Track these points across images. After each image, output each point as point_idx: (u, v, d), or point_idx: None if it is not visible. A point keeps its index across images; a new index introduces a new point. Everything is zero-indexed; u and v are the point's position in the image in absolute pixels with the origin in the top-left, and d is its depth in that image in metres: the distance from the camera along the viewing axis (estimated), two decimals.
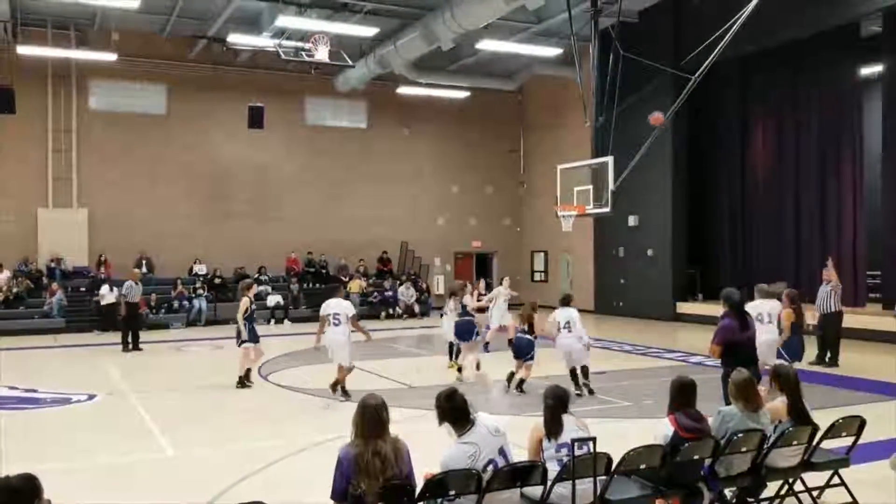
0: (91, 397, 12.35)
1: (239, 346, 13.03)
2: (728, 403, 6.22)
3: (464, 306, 13.93)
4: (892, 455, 5.94)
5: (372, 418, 4.66)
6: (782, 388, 6.23)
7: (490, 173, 31.22)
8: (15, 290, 22.70)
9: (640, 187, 22.26)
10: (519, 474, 5.00)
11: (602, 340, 19.43)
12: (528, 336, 12.34)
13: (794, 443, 6.01)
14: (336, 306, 11.85)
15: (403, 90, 27.40)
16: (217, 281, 25.32)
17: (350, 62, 21.69)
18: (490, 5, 18.43)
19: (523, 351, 12.32)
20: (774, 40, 20.26)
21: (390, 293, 26.83)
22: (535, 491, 5.11)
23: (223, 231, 26.41)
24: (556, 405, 5.44)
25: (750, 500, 6.09)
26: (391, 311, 26.37)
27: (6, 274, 23.09)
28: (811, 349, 13.88)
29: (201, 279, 25.10)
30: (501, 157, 31.46)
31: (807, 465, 6.19)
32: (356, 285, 26.01)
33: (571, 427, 5.38)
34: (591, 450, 5.10)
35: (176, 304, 24.05)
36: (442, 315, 15.36)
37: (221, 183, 26.55)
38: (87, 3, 19.96)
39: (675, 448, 5.49)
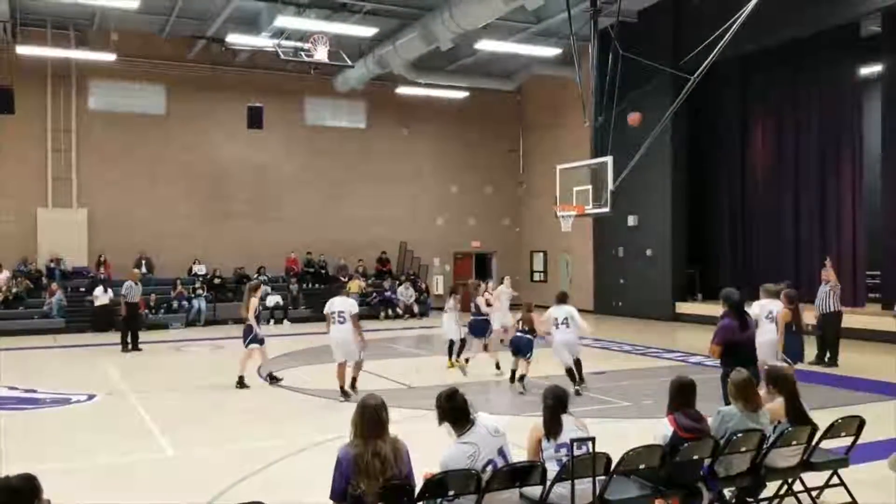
0: (91, 397, 12.35)
1: (246, 346, 13.06)
2: (727, 403, 6.22)
3: (477, 307, 14.27)
4: (891, 455, 5.94)
5: (371, 418, 4.66)
6: (779, 390, 6.24)
7: (489, 173, 31.21)
8: (14, 290, 22.69)
9: (640, 187, 22.27)
10: (518, 474, 5.00)
11: (601, 340, 19.43)
12: (528, 336, 12.56)
13: (794, 443, 6.02)
14: (340, 304, 11.99)
15: (402, 90, 27.39)
16: (216, 281, 25.32)
17: (349, 62, 21.68)
18: (489, 5, 18.42)
19: (523, 349, 12.55)
20: (774, 40, 20.27)
21: (390, 293, 26.84)
22: (535, 491, 5.11)
23: (223, 231, 26.41)
24: (555, 405, 5.44)
25: (749, 500, 6.10)
26: (390, 311, 26.39)
27: (6, 274, 23.07)
28: (810, 349, 13.90)
29: (201, 279, 25.10)
30: (501, 157, 31.45)
31: (806, 465, 6.19)
32: (355, 285, 25.73)
33: (571, 427, 5.38)
34: (591, 450, 5.10)
35: (175, 304, 24.05)
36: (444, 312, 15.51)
37: (221, 183, 26.55)
38: (87, 3, 19.96)
39: (674, 448, 5.50)
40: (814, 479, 6.29)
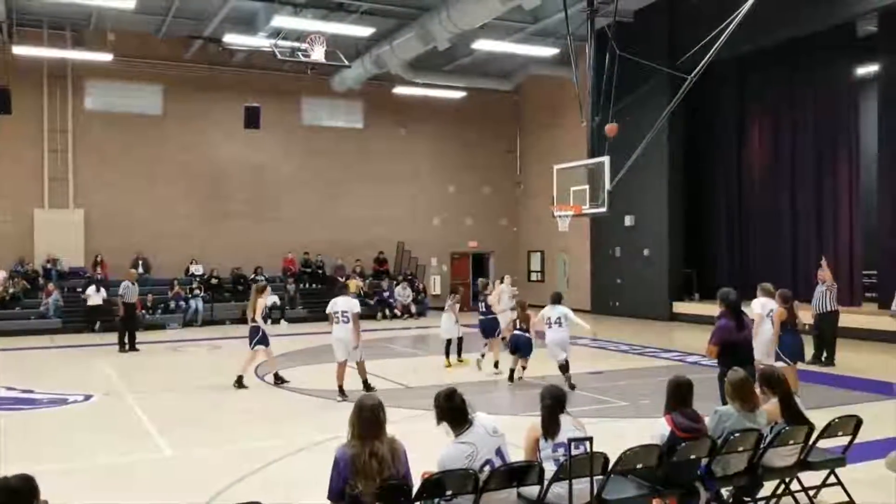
0: (88, 398, 12.34)
1: (253, 347, 13.10)
2: (725, 403, 6.23)
3: (487, 306, 14.68)
4: (888, 454, 5.96)
5: (369, 419, 4.66)
6: (773, 392, 6.24)
7: (487, 173, 31.21)
8: (11, 290, 22.66)
9: (637, 187, 22.29)
10: (516, 474, 5.00)
11: (598, 340, 19.45)
12: (526, 334, 12.95)
13: (791, 442, 6.02)
14: (343, 304, 12.08)
15: (400, 90, 27.38)
16: (214, 281, 25.30)
17: (346, 62, 21.65)
18: (486, 5, 18.43)
19: (523, 348, 12.99)
20: (770, 40, 20.30)
21: (387, 293, 26.85)
22: (532, 491, 5.11)
23: (220, 231, 26.38)
24: (553, 405, 5.45)
25: (746, 499, 6.10)
26: (387, 311, 26.39)
27: (2, 274, 23.03)
28: (807, 349, 13.91)
29: (198, 279, 25.08)
30: (498, 157, 31.46)
31: (803, 464, 6.19)
32: (353, 285, 25.70)
33: (568, 427, 5.39)
34: (588, 449, 5.11)
35: (172, 304, 24.04)
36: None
37: (218, 183, 26.52)
38: (83, 3, 19.94)
39: (671, 448, 5.50)
40: (811, 478, 6.29)
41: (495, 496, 4.88)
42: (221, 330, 23.00)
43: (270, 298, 24.38)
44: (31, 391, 12.94)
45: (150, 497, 7.40)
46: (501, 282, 17.68)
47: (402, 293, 27.07)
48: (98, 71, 24.47)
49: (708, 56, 14.31)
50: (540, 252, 30.74)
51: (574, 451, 5.08)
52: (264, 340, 13.17)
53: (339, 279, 26.54)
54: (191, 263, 25.66)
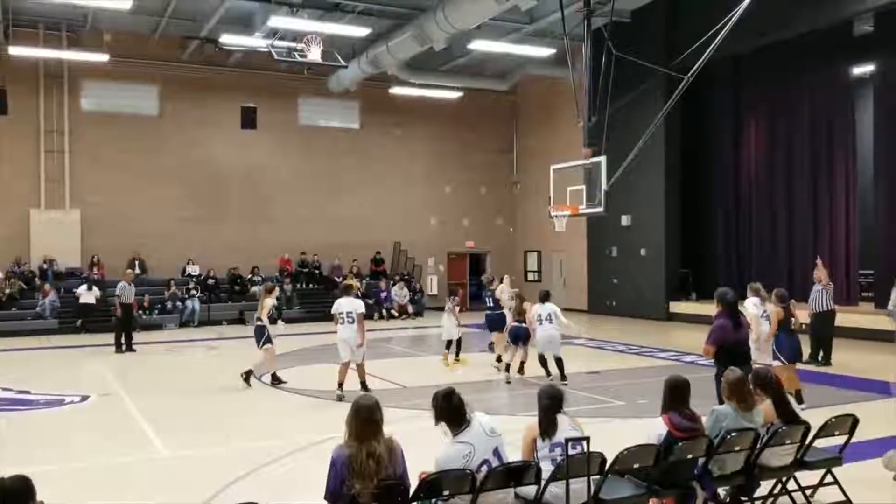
0: (84, 398, 12.33)
1: (260, 347, 13.14)
2: (722, 403, 6.23)
3: (495, 300, 14.90)
4: (884, 454, 5.97)
5: (366, 419, 4.66)
6: (766, 393, 6.25)
7: (483, 173, 31.21)
8: (7, 291, 22.62)
9: (634, 187, 22.31)
10: (513, 474, 5.01)
11: (595, 340, 19.49)
12: (524, 325, 13.50)
13: (787, 442, 6.03)
14: (348, 305, 12.12)
15: (396, 90, 27.37)
16: (210, 282, 25.27)
17: (342, 62, 21.67)
18: (482, 5, 18.41)
19: (523, 338, 13.50)
20: (767, 40, 20.34)
21: (385, 293, 26.84)
22: (529, 490, 5.12)
23: (216, 232, 26.35)
24: (550, 405, 5.45)
25: (743, 499, 6.11)
26: (384, 311, 26.37)
27: None
28: (804, 348, 13.92)
29: (194, 280, 25.05)
30: (494, 157, 31.47)
31: (800, 463, 6.20)
32: (342, 287, 25.91)
33: (566, 427, 5.40)
34: (585, 449, 5.12)
35: (169, 304, 24.01)
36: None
37: (214, 183, 26.48)
38: (80, 3, 19.90)
39: (668, 447, 5.51)
40: (808, 477, 6.30)
41: (492, 496, 4.88)
42: (218, 330, 22.99)
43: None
44: (28, 392, 12.91)
45: (146, 498, 7.39)
46: (501, 281, 17.76)
47: (399, 293, 27.07)
48: (94, 71, 24.44)
49: (704, 56, 14.33)
50: (537, 252, 30.75)
51: (571, 451, 5.08)
52: (270, 339, 13.21)
53: (336, 279, 26.59)
54: (187, 264, 25.62)
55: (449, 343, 15.53)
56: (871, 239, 20.83)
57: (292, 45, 20.48)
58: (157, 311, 23.77)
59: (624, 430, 8.65)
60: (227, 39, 22.53)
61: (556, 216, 16.78)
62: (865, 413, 7.23)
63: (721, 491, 6.08)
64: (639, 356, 16.80)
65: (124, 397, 12.38)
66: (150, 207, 25.39)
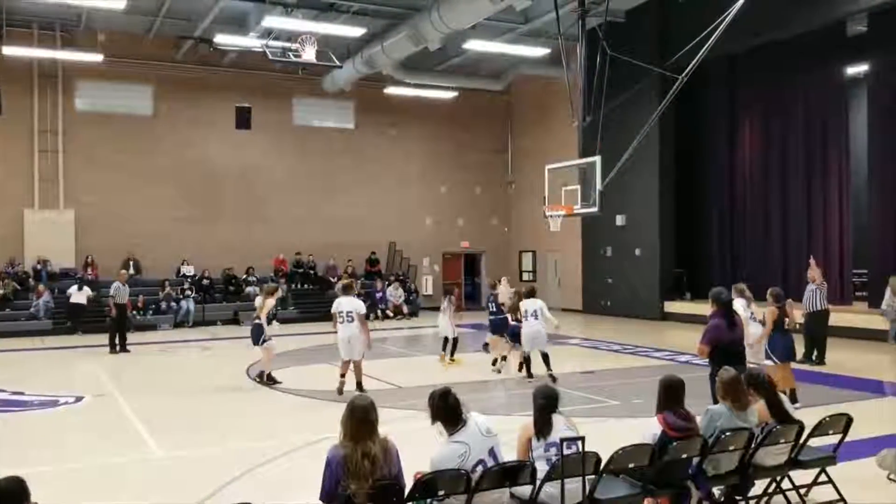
0: (79, 399, 12.30)
1: (261, 345, 13.15)
2: (716, 402, 6.24)
3: (498, 305, 15.07)
4: (878, 452, 5.98)
5: (361, 419, 4.66)
6: (759, 394, 6.26)
7: (478, 173, 31.21)
8: (1, 291, 22.55)
9: (628, 187, 22.34)
10: (508, 474, 5.01)
11: (590, 340, 19.51)
12: (520, 324, 13.72)
13: (782, 441, 6.05)
14: (348, 304, 12.19)
15: (391, 90, 27.35)
16: (205, 282, 25.24)
17: (337, 62, 21.66)
18: (477, 5, 18.41)
19: (518, 337, 13.76)
20: (761, 40, 20.37)
21: (380, 294, 26.83)
22: (525, 490, 5.12)
23: (211, 232, 26.30)
24: (545, 405, 5.45)
25: (738, 498, 6.12)
26: (379, 311, 26.35)
27: None
28: (798, 348, 13.95)
29: (189, 280, 25.02)
30: (489, 157, 31.47)
31: (794, 463, 6.22)
32: (341, 286, 25.88)
33: (561, 426, 5.40)
34: (580, 449, 5.12)
35: (164, 305, 23.97)
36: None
37: (209, 184, 26.43)
38: (73, 3, 19.85)
39: (663, 447, 5.52)
40: (802, 476, 6.32)
41: (488, 496, 4.89)
42: (212, 331, 22.98)
43: (261, 299, 24.51)
44: (22, 393, 12.88)
45: (141, 498, 7.38)
46: (500, 283, 17.94)
47: (394, 293, 27.06)
48: (88, 71, 24.38)
49: (699, 56, 14.36)
50: (532, 252, 30.76)
51: (566, 451, 5.09)
52: (268, 338, 13.24)
53: (331, 280, 26.59)
54: (182, 264, 25.60)
55: (445, 340, 15.63)
56: (865, 239, 20.89)
57: (287, 45, 20.46)
58: (151, 312, 23.73)
59: (619, 429, 8.66)
60: (221, 39, 22.48)
61: (551, 216, 16.79)
62: (859, 412, 7.24)
63: (716, 490, 6.09)
64: (633, 356, 16.81)
65: (118, 398, 12.35)
66: (144, 208, 25.33)
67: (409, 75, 25.93)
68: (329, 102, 28.43)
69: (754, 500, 6.21)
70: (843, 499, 6.24)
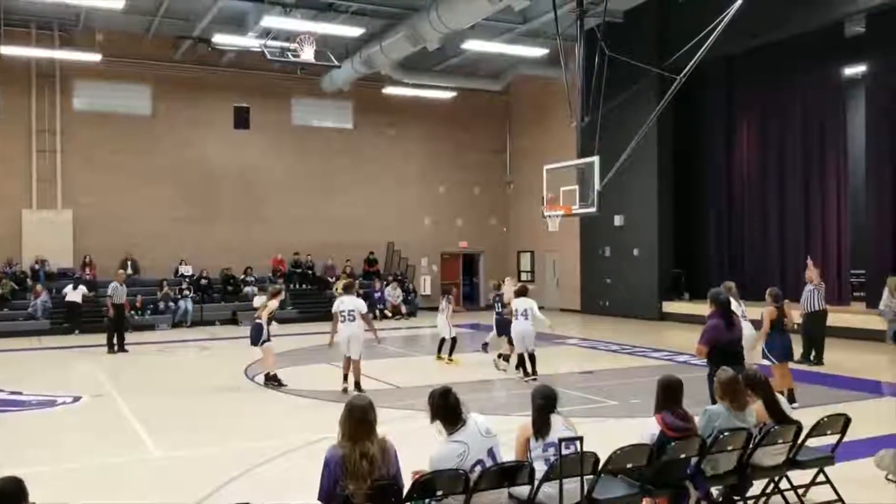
0: (77, 399, 12.29)
1: (260, 345, 13.13)
2: (714, 402, 6.25)
3: (504, 305, 15.13)
4: (876, 453, 5.98)
5: (359, 419, 4.65)
6: (756, 394, 6.26)
7: (477, 173, 31.21)
8: None
9: (627, 187, 22.35)
10: (506, 474, 5.01)
11: (589, 340, 19.52)
12: None
13: (780, 441, 6.05)
14: (350, 303, 12.33)
15: (390, 90, 27.36)
16: (203, 282, 25.23)
17: (336, 62, 21.64)
18: (475, 5, 18.42)
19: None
20: (759, 41, 20.38)
21: (378, 294, 26.82)
22: (523, 491, 5.12)
23: (209, 232, 26.29)
24: (544, 405, 5.45)
25: (736, 498, 6.12)
26: (377, 311, 26.34)
27: None
28: (796, 348, 13.96)
29: (187, 280, 25.00)
30: (488, 157, 31.47)
31: (792, 463, 6.22)
32: (342, 285, 25.89)
33: (560, 427, 5.39)
34: (579, 449, 5.12)
35: (162, 305, 23.96)
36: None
37: (207, 184, 26.42)
38: (72, 3, 19.84)
39: (661, 447, 5.52)
40: (800, 477, 6.32)
41: (486, 496, 4.89)
42: (211, 331, 22.96)
43: (258, 300, 24.50)
44: (20, 393, 12.87)
45: (139, 498, 7.37)
46: (503, 283, 17.97)
47: (393, 293, 27.06)
48: (86, 71, 24.36)
49: (697, 56, 14.36)
50: (530, 252, 30.78)
51: (564, 451, 5.08)
52: (268, 339, 13.21)
53: (330, 279, 26.60)
54: (180, 264, 25.59)
55: (442, 341, 15.68)
56: (863, 239, 20.90)
57: (285, 44, 20.43)
58: (149, 312, 23.71)
59: (617, 429, 8.66)
60: (219, 39, 22.49)
61: (550, 216, 16.79)
62: (857, 412, 7.24)
63: (714, 490, 6.09)
64: (632, 356, 16.82)
65: (116, 398, 12.34)
66: (142, 207, 25.32)
67: (407, 75, 25.94)
68: (328, 102, 28.42)
69: (752, 501, 6.21)
70: (841, 499, 6.24)
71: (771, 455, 6.06)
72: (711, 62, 19.11)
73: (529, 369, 13.35)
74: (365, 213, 28.72)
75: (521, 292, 13.84)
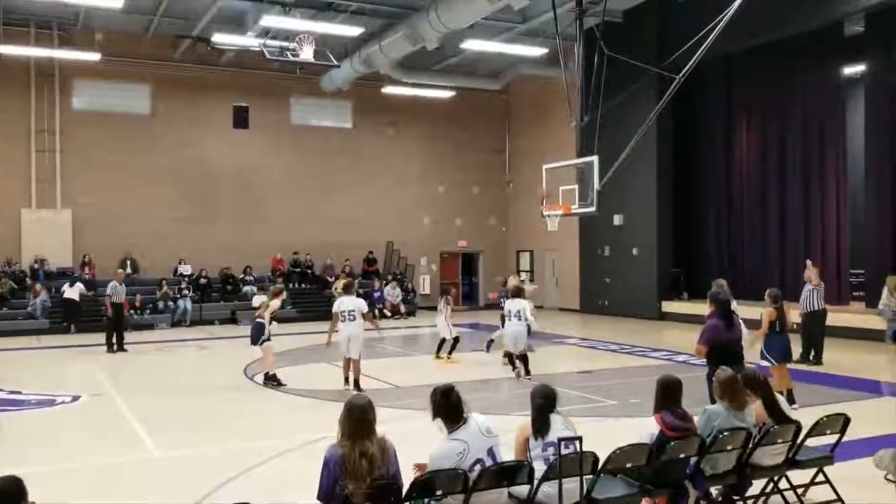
0: (76, 398, 12.28)
1: (260, 344, 13.13)
2: (714, 402, 6.25)
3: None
4: (875, 453, 5.98)
5: (358, 419, 4.65)
6: (755, 394, 6.26)
7: (476, 173, 31.20)
8: None
9: (626, 187, 22.34)
10: (506, 474, 5.01)
11: (588, 340, 19.52)
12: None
13: (779, 441, 6.05)
14: (350, 303, 12.42)
15: (389, 90, 27.36)
16: (202, 281, 25.22)
17: (335, 62, 21.62)
18: (475, 5, 18.42)
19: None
20: (758, 40, 20.38)
21: (377, 293, 26.81)
22: (522, 490, 5.12)
23: (209, 231, 26.28)
24: (544, 404, 5.45)
25: (735, 498, 6.13)
26: (377, 311, 26.32)
27: None
28: (795, 348, 13.96)
29: (186, 280, 25.00)
30: (487, 156, 31.46)
31: (791, 462, 6.22)
32: (342, 285, 25.89)
33: (559, 426, 5.39)
34: (578, 449, 5.12)
35: (161, 304, 23.95)
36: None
37: (207, 183, 26.41)
38: (71, 2, 19.84)
39: (661, 447, 5.52)
40: (799, 476, 6.32)
41: (485, 496, 4.89)
42: (210, 330, 22.95)
43: (258, 299, 24.50)
44: (19, 392, 12.86)
45: (138, 498, 7.37)
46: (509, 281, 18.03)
47: (392, 293, 27.06)
48: (86, 70, 24.34)
49: (696, 56, 14.36)
50: (529, 251, 30.78)
51: (564, 451, 5.09)
52: (269, 338, 13.21)
53: (329, 279, 26.59)
54: (179, 263, 25.58)
55: (442, 341, 15.71)
56: (862, 238, 20.89)
57: (285, 44, 20.43)
58: (148, 311, 23.70)
59: (616, 429, 8.66)
60: (219, 38, 22.49)
61: (549, 216, 16.79)
62: (856, 412, 7.24)
63: (713, 490, 6.09)
64: (631, 356, 16.82)
65: (116, 397, 12.34)
66: (141, 207, 25.29)
67: (406, 75, 25.93)
68: (327, 102, 28.42)
69: (752, 500, 6.21)
70: (840, 499, 6.24)
71: (770, 455, 6.06)
72: (711, 62, 19.12)
73: (522, 371, 13.45)
74: (364, 212, 28.71)
75: (515, 294, 13.89)
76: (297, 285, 26.64)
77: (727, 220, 24.77)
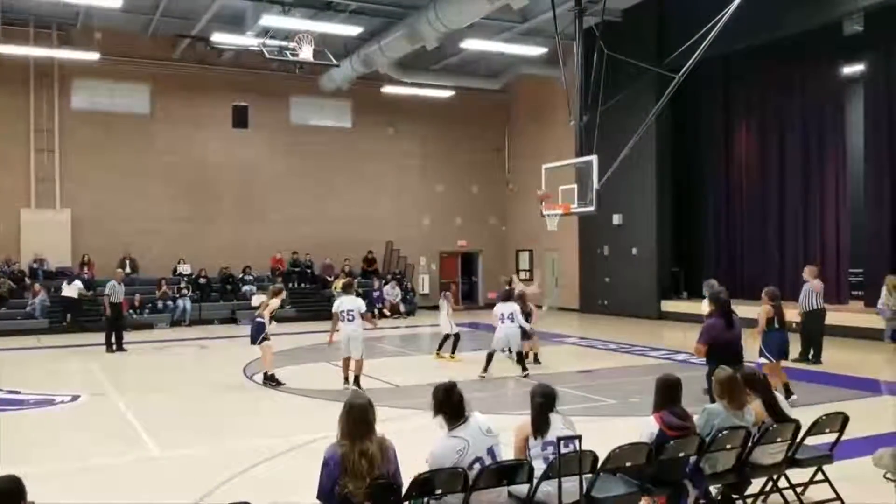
0: (75, 398, 12.29)
1: (259, 343, 13.12)
2: (713, 401, 6.25)
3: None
4: (875, 451, 5.99)
5: (358, 418, 4.66)
6: (755, 393, 6.26)
7: (475, 172, 31.20)
8: None
9: (625, 186, 22.32)
10: (505, 472, 5.01)
11: (587, 339, 19.52)
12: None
13: (778, 440, 6.05)
14: (350, 303, 12.48)
15: (388, 89, 27.35)
16: (202, 281, 25.22)
17: (334, 61, 21.63)
18: (474, 4, 18.42)
19: (525, 333, 14.14)
20: (758, 39, 20.37)
21: (377, 293, 26.81)
22: (522, 489, 5.12)
23: (208, 231, 26.28)
24: (543, 403, 5.45)
25: (735, 496, 6.13)
26: (376, 310, 26.31)
27: None
28: (794, 347, 13.97)
29: (186, 279, 24.99)
30: (487, 155, 31.45)
31: (791, 461, 6.23)
32: (341, 285, 25.91)
33: (559, 425, 5.40)
34: (577, 448, 5.12)
35: (160, 304, 23.95)
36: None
37: (206, 183, 26.41)
38: (70, 1, 19.83)
39: (660, 446, 5.52)
40: (798, 475, 6.32)
41: (485, 494, 4.89)
42: (209, 330, 22.95)
43: (257, 298, 24.50)
44: (18, 392, 12.86)
45: (137, 497, 7.37)
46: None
47: (391, 292, 27.06)
48: (85, 70, 24.33)
49: (696, 55, 14.34)
50: (529, 251, 30.77)
51: (563, 450, 5.09)
52: (267, 337, 13.21)
53: (328, 278, 26.60)
54: (179, 263, 25.57)
55: (445, 339, 15.81)
56: (861, 238, 20.88)
57: (284, 43, 20.41)
58: (148, 311, 23.70)
59: (616, 428, 8.66)
60: (218, 38, 22.48)
61: (548, 215, 16.78)
62: (856, 411, 7.24)
63: (712, 489, 6.10)
64: (630, 355, 16.82)
65: (115, 397, 12.34)
66: (141, 206, 25.29)
67: (406, 74, 25.93)
68: (326, 101, 28.41)
69: (751, 499, 6.22)
70: (839, 497, 6.25)
71: (769, 453, 6.06)
72: (710, 61, 19.09)
73: (532, 359, 13.91)
74: (363, 211, 28.71)
75: (506, 297, 14.00)
76: (296, 285, 26.64)
77: (726, 219, 24.76)
